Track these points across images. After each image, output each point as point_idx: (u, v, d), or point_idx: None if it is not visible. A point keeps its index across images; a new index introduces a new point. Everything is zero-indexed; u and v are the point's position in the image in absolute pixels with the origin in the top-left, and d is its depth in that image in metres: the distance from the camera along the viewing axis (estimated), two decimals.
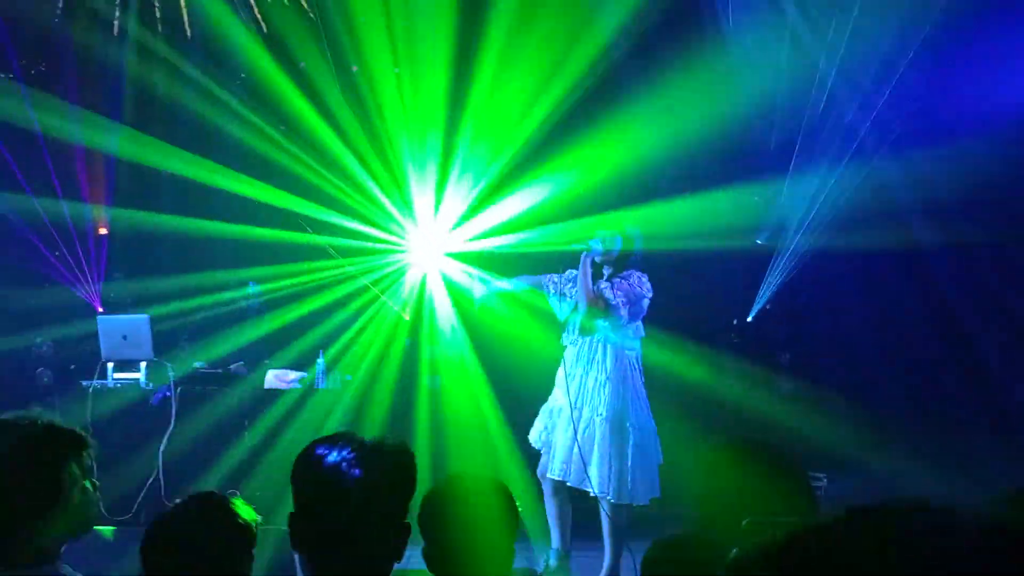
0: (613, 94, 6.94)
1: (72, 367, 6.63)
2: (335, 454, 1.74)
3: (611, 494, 4.53)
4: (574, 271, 4.76)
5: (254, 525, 2.04)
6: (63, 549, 2.08)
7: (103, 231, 7.37)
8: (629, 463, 4.55)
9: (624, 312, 4.62)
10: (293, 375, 6.19)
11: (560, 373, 4.77)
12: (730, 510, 2.01)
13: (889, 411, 6.92)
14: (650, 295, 4.69)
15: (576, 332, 4.71)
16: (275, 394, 6.08)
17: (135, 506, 5.39)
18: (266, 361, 6.29)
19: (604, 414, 4.57)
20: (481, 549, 2.08)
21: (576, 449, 4.58)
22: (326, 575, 1.71)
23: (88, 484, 2.08)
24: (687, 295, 6.92)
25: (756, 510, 1.97)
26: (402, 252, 6.88)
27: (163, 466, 5.52)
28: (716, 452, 2.18)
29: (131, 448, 5.59)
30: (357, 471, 1.71)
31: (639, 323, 4.73)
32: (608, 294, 4.64)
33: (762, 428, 6.10)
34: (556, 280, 4.86)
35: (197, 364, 6.25)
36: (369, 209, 6.96)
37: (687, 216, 6.82)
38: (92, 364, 6.00)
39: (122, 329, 5.95)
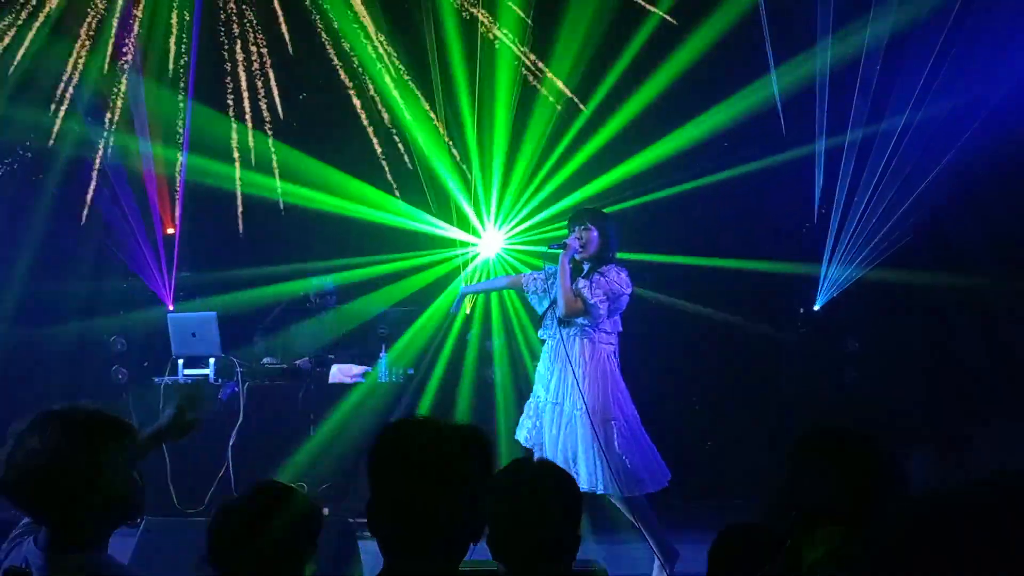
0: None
1: (145, 364, 6.83)
2: (415, 437, 1.75)
3: (608, 488, 4.49)
4: (554, 266, 4.72)
5: (318, 514, 2.07)
6: (110, 536, 2.13)
7: (171, 230, 7.55)
8: (622, 456, 4.52)
9: (603, 310, 4.60)
10: (358, 370, 6.27)
11: (540, 369, 4.77)
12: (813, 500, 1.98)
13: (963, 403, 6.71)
14: (629, 290, 4.67)
15: (554, 326, 4.68)
16: (340, 388, 6.17)
17: (206, 499, 5.53)
18: (331, 356, 6.39)
19: (583, 408, 4.52)
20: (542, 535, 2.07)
21: (560, 445, 4.57)
22: (402, 559, 1.71)
23: (133, 472, 2.11)
24: (749, 281, 6.85)
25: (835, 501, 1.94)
26: (471, 245, 7.03)
27: (232, 460, 5.64)
28: (805, 444, 2.12)
29: (201, 443, 5.72)
30: (436, 453, 1.72)
31: (617, 318, 4.71)
32: (586, 293, 4.61)
33: (826, 416, 6.01)
34: (536, 276, 4.87)
35: (265, 360, 6.38)
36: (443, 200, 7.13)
37: (741, 200, 6.79)
38: (164, 360, 6.15)
39: (191, 326, 6.08)
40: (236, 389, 5.94)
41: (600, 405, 4.56)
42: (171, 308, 7.07)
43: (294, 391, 5.99)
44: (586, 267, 4.70)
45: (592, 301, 4.59)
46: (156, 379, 6.16)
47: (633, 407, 4.68)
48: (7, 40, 6.94)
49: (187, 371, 6.25)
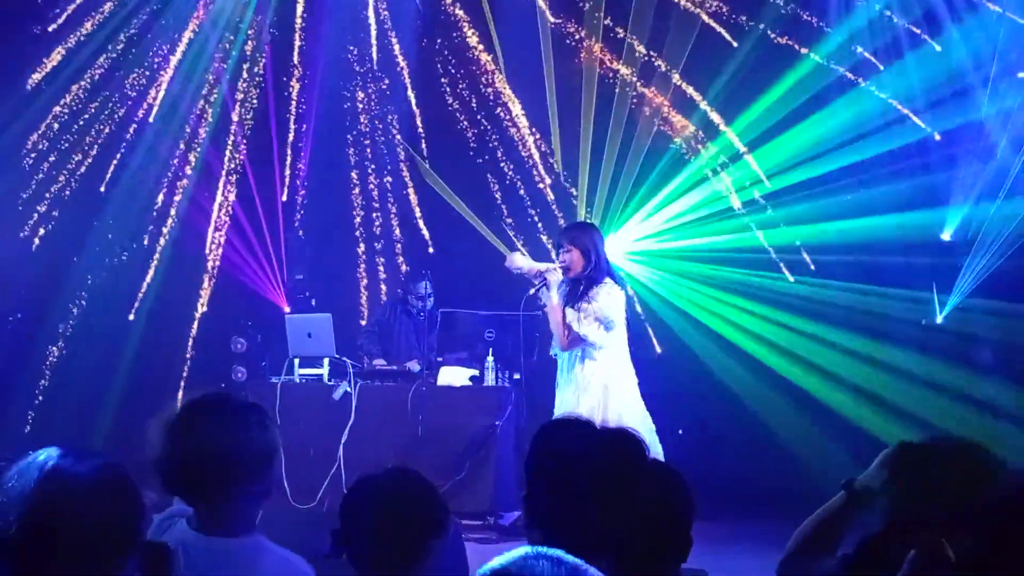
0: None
1: (263, 363, 7.10)
2: (570, 437, 1.77)
3: None
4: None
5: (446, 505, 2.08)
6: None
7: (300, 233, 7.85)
8: None
9: (596, 336, 4.57)
10: (466, 372, 6.34)
11: (558, 381, 4.82)
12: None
13: None
14: (620, 302, 4.62)
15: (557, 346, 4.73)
16: (448, 391, 6.26)
17: (319, 494, 5.69)
18: (440, 359, 6.48)
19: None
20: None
21: None
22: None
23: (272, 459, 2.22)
24: (870, 293, 6.65)
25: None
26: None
27: (344, 457, 5.79)
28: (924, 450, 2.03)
29: (314, 440, 5.91)
30: (598, 454, 1.73)
31: (620, 330, 4.66)
32: (576, 326, 4.56)
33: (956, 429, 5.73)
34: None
35: (376, 361, 6.53)
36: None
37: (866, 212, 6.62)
38: (281, 360, 6.37)
39: (307, 327, 6.27)
40: (349, 390, 6.10)
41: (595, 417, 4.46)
42: (287, 310, 7.32)
43: (404, 392, 6.10)
44: (582, 285, 4.63)
45: (582, 333, 4.56)
46: (273, 378, 6.39)
47: (646, 417, 4.65)
48: None
49: (302, 371, 6.46)
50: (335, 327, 6.21)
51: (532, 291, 4.88)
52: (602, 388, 4.59)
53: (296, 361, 6.40)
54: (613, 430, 1.81)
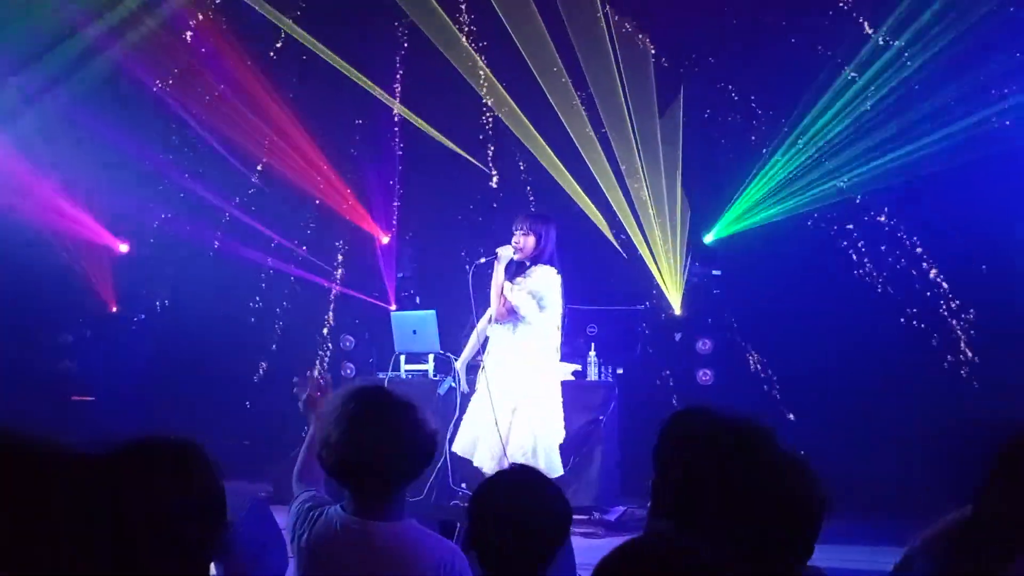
0: None
1: (371, 360, 7.30)
2: (698, 426, 1.77)
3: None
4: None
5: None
6: None
7: (385, 239, 8.03)
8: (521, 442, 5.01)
9: (528, 309, 5.01)
10: (568, 368, 6.36)
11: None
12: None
13: None
14: (555, 285, 5.05)
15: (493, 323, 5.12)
16: None
17: (426, 488, 5.80)
18: None
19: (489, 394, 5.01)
20: None
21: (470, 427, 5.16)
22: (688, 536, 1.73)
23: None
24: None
25: None
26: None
27: (450, 452, 5.88)
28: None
29: None
30: (727, 444, 1.73)
31: (553, 312, 5.09)
32: (508, 295, 5.00)
33: None
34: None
35: (480, 357, 6.61)
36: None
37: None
38: (387, 356, 6.52)
39: (412, 324, 6.40)
40: (453, 385, 6.19)
41: (507, 391, 5.02)
42: (393, 308, 7.49)
43: None
44: (527, 266, 5.07)
45: (514, 303, 4.99)
46: (380, 374, 6.54)
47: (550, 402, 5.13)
48: None
49: (407, 367, 6.60)
50: (439, 323, 6.32)
51: (482, 260, 5.17)
52: (520, 368, 5.08)
53: (402, 357, 6.55)
54: (743, 419, 1.78)
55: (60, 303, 7.95)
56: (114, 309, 8.26)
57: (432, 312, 6.37)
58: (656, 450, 1.79)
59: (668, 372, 7.16)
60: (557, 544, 2.01)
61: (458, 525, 3.55)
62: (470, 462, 5.73)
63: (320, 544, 2.25)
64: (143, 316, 8.24)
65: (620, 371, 6.45)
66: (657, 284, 7.18)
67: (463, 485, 5.94)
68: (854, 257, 6.86)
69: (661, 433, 1.80)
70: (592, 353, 6.31)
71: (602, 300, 6.78)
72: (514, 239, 5.08)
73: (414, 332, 6.34)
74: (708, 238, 7.14)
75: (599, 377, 6.29)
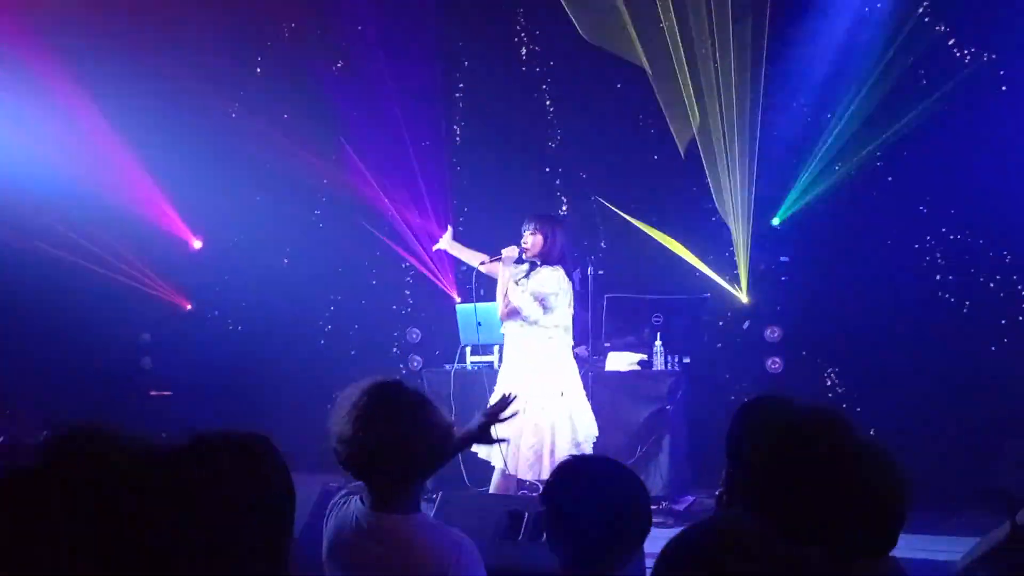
0: None
1: (437, 352, 7.38)
2: (781, 415, 1.75)
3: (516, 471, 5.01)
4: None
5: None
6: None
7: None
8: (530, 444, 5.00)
9: (532, 310, 5.03)
10: (634, 357, 6.33)
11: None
12: None
13: None
14: (563, 287, 5.05)
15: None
16: (616, 375, 6.27)
17: (491, 480, 5.84)
18: (607, 344, 6.50)
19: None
20: None
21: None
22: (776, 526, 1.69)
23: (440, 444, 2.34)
24: None
25: None
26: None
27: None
28: None
29: None
30: (804, 432, 1.71)
31: (561, 311, 5.09)
32: (511, 297, 5.04)
33: None
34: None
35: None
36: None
37: None
38: (453, 348, 6.58)
39: (477, 316, 6.44)
40: None
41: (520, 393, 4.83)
42: (458, 300, 7.55)
43: None
44: (532, 267, 5.09)
45: (517, 304, 5.03)
46: (447, 366, 6.61)
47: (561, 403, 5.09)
48: None
49: (473, 358, 6.65)
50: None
51: (490, 260, 5.23)
52: (526, 371, 5.10)
53: (468, 349, 6.60)
54: (819, 406, 1.75)
55: (139, 303, 8.22)
56: (188, 307, 8.51)
57: (496, 304, 6.40)
58: (729, 438, 1.77)
59: (736, 361, 7.07)
60: (636, 532, 2.00)
61: (525, 514, 3.58)
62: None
63: (338, 534, 2.30)
64: (216, 312, 8.47)
65: (687, 360, 6.40)
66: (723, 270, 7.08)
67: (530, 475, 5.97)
68: (931, 243, 6.64)
69: (734, 421, 1.78)
70: (658, 342, 6.27)
71: (668, 289, 6.72)
72: (523, 239, 5.10)
73: (479, 324, 6.38)
74: (775, 220, 7.00)
75: (665, 366, 6.25)
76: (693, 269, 7.04)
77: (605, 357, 6.41)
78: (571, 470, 2.11)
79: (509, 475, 5.15)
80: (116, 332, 8.08)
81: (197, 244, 8.44)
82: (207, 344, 8.12)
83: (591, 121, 7.36)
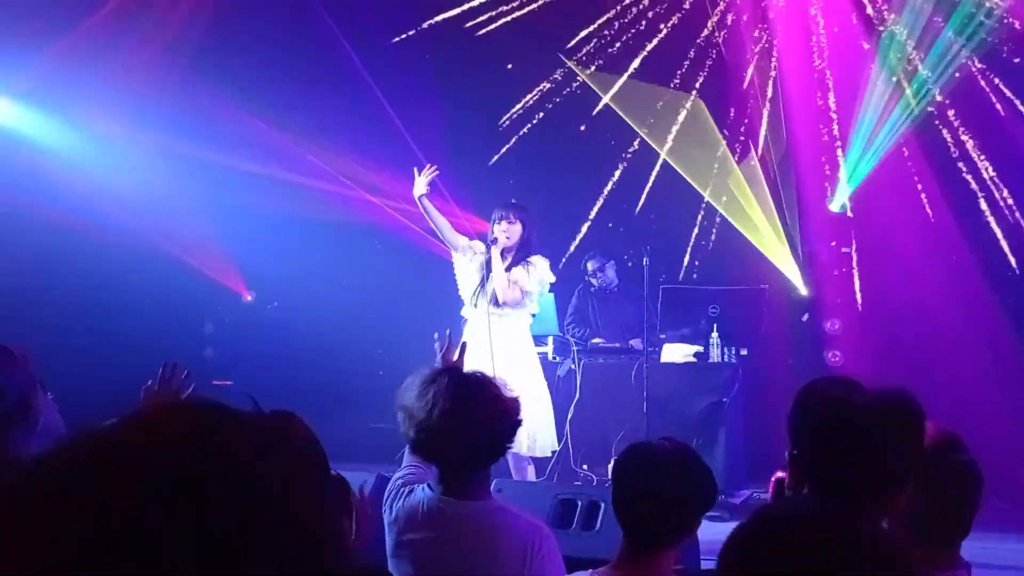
0: None
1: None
2: (849, 394, 1.72)
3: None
4: (478, 245, 5.21)
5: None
6: None
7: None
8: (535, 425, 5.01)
9: (534, 297, 5.22)
10: (690, 349, 6.27)
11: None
12: None
13: None
14: (553, 278, 5.28)
15: (482, 307, 5.13)
16: (672, 367, 6.21)
17: (547, 470, 5.85)
18: (663, 336, 6.45)
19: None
20: None
21: None
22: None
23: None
24: None
25: None
26: None
27: (570, 433, 5.90)
28: None
29: None
30: (874, 412, 1.67)
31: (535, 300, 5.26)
32: (524, 283, 5.12)
33: None
34: (475, 248, 5.21)
35: (597, 339, 6.60)
36: None
37: None
38: None
39: None
40: (573, 367, 6.21)
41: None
42: None
43: (627, 369, 6.13)
44: (509, 256, 5.13)
45: (529, 289, 5.15)
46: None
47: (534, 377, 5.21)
48: None
49: None
50: (557, 306, 6.34)
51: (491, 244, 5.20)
52: (514, 345, 5.19)
53: None
54: (890, 388, 1.71)
55: (202, 294, 8.39)
56: (248, 298, 8.67)
57: (551, 295, 6.39)
58: (792, 420, 1.73)
59: (795, 354, 6.95)
60: (700, 516, 2.00)
61: (578, 503, 3.57)
62: (593, 445, 5.74)
63: (407, 521, 2.29)
64: (276, 303, 8.61)
65: (744, 352, 6.31)
66: (782, 262, 6.96)
67: (584, 467, 5.96)
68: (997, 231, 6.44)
69: (797, 402, 1.73)
70: (714, 334, 6.20)
71: (724, 280, 6.63)
72: (499, 227, 5.15)
73: (532, 315, 6.38)
74: (833, 205, 6.85)
75: (721, 359, 6.17)
76: (751, 259, 6.94)
77: (660, 349, 6.35)
78: (638, 453, 2.10)
79: (522, 457, 5.14)
80: (181, 322, 8.26)
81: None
82: (266, 335, 8.26)
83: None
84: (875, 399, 1.69)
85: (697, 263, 7.09)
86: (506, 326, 5.20)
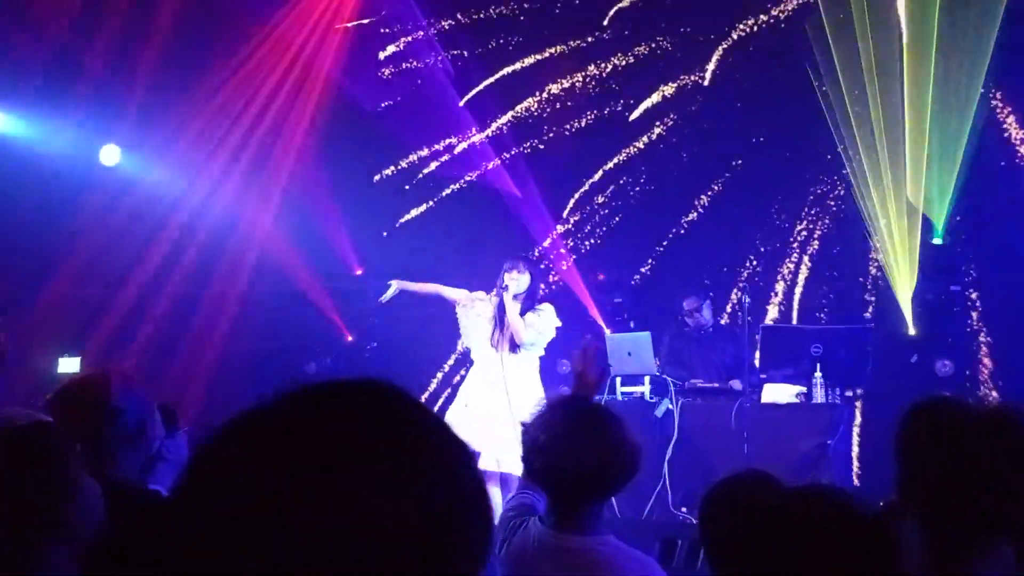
0: None
1: None
2: (950, 416, 1.67)
3: None
4: (479, 294, 5.78)
5: None
6: None
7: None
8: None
9: (547, 338, 5.70)
10: (792, 389, 6.10)
11: (473, 383, 5.76)
12: None
13: None
14: (559, 323, 5.71)
15: (496, 349, 5.64)
16: (774, 408, 6.06)
17: (646, 509, 5.76)
18: (763, 376, 6.30)
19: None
20: None
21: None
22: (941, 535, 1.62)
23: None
24: None
25: None
26: None
27: (668, 473, 5.80)
28: None
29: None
30: (988, 432, 1.63)
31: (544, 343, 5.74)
32: (539, 326, 5.63)
33: None
34: (480, 299, 5.77)
35: (694, 380, 6.49)
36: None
37: None
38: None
39: (627, 346, 6.40)
40: (670, 407, 6.12)
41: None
42: (608, 331, 7.53)
43: (727, 410, 6.00)
44: (518, 303, 5.65)
45: (542, 331, 5.65)
46: (596, 397, 6.56)
47: None
48: None
49: (623, 388, 6.59)
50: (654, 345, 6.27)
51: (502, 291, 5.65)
52: (525, 385, 5.61)
53: (618, 380, 6.55)
54: (1000, 407, 1.65)
55: (305, 333, 8.64)
56: (350, 338, 8.88)
57: (647, 334, 6.35)
58: (898, 443, 1.67)
59: (905, 395, 6.68)
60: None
61: (679, 542, 3.50)
62: (691, 485, 5.63)
63: (518, 554, 2.24)
64: (375, 344, 8.79)
65: (849, 393, 6.10)
66: (889, 300, 6.74)
67: (683, 509, 5.84)
68: None
69: (905, 424, 1.67)
70: (818, 374, 6.01)
71: (827, 319, 6.46)
72: (510, 276, 5.63)
73: (629, 354, 6.34)
74: (936, 240, 6.61)
75: (826, 399, 5.98)
76: (854, 298, 6.75)
77: (761, 389, 6.20)
78: (728, 488, 2.04)
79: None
80: (285, 361, 8.52)
81: (358, 271, 8.80)
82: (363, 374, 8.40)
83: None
84: (992, 422, 1.63)
85: (796, 302, 6.93)
86: (521, 366, 5.69)
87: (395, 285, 6.01)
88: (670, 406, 6.14)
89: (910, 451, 1.68)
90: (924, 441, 1.66)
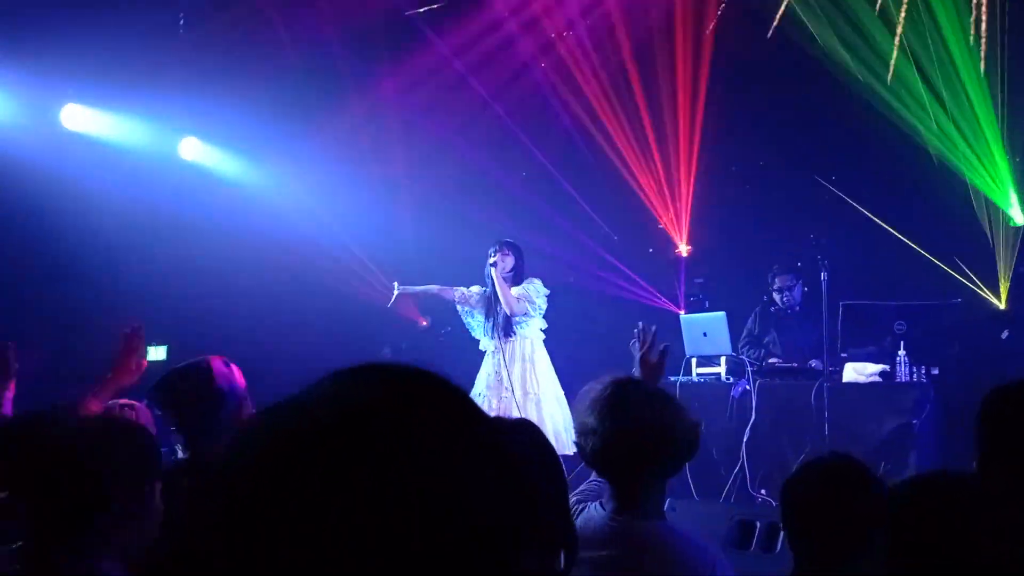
0: None
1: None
2: None
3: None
4: (474, 289, 6.24)
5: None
6: None
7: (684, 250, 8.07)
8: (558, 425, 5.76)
9: (537, 309, 6.09)
10: (873, 368, 5.94)
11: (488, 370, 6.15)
12: None
13: None
14: (548, 292, 6.13)
15: (497, 335, 6.10)
16: (855, 388, 5.91)
17: (724, 491, 5.69)
18: (844, 355, 6.14)
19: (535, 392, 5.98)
20: None
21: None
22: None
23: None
24: None
25: None
26: None
27: (747, 455, 5.72)
28: None
29: (716, 438, 5.89)
30: None
31: (541, 316, 6.14)
32: (528, 297, 6.04)
33: None
34: (469, 295, 6.25)
35: (772, 360, 6.37)
36: None
37: None
38: (678, 360, 6.46)
39: (702, 327, 6.31)
40: (748, 387, 6.02)
41: (528, 385, 6.00)
42: (682, 312, 7.44)
43: (806, 391, 5.87)
44: (516, 280, 6.11)
45: (535, 300, 6.06)
46: (672, 377, 6.50)
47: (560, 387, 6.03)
48: None
49: (699, 370, 6.50)
50: (730, 327, 6.18)
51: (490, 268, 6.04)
52: (529, 358, 6.04)
53: (693, 361, 6.47)
54: None
55: (381, 319, 8.77)
56: (424, 323, 8.97)
57: (722, 314, 6.25)
58: (983, 421, 1.62)
59: (993, 373, 6.43)
60: (876, 537, 1.88)
61: (757, 524, 3.45)
62: (770, 467, 5.54)
63: (579, 540, 2.21)
64: (448, 329, 8.85)
65: (935, 371, 5.90)
66: (984, 274, 6.49)
67: (763, 491, 5.75)
68: None
69: (984, 409, 1.63)
70: (901, 352, 5.84)
71: (911, 295, 6.25)
72: (495, 257, 6.03)
73: (704, 335, 6.25)
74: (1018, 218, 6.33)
75: (910, 378, 5.80)
76: (941, 272, 6.51)
77: (842, 368, 6.05)
78: (808, 471, 2.00)
79: None
80: (360, 345, 8.66)
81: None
82: (439, 360, 8.50)
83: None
84: None
85: (876, 277, 6.72)
86: (523, 344, 6.08)
87: (397, 289, 6.43)
88: (747, 387, 6.04)
89: (992, 429, 1.63)
90: (1007, 420, 1.61)
